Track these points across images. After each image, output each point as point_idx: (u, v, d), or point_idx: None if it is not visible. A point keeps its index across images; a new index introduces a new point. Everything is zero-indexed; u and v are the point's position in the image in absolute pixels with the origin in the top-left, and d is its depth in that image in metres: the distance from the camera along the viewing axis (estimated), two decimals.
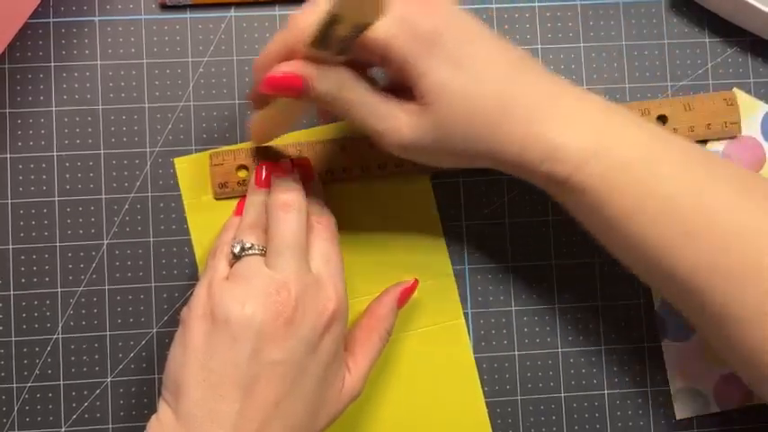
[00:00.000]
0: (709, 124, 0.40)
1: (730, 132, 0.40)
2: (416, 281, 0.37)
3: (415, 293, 0.38)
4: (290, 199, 0.33)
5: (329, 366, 0.32)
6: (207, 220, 0.38)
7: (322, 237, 0.34)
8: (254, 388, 0.30)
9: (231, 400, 0.30)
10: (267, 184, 0.35)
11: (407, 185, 0.39)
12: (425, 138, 0.31)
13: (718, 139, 0.40)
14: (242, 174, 0.38)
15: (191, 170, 0.39)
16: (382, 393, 0.38)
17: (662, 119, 0.39)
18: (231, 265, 0.33)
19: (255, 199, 0.35)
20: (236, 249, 0.33)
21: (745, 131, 0.40)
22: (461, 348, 0.39)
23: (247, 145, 0.38)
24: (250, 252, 0.33)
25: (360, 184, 0.39)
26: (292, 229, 0.33)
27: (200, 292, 0.32)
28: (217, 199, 0.38)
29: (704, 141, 0.40)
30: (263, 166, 0.36)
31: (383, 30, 0.30)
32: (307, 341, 0.31)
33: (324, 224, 0.34)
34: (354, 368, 0.34)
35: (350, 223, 0.38)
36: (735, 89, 0.41)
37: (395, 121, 0.32)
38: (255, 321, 0.30)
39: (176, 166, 0.39)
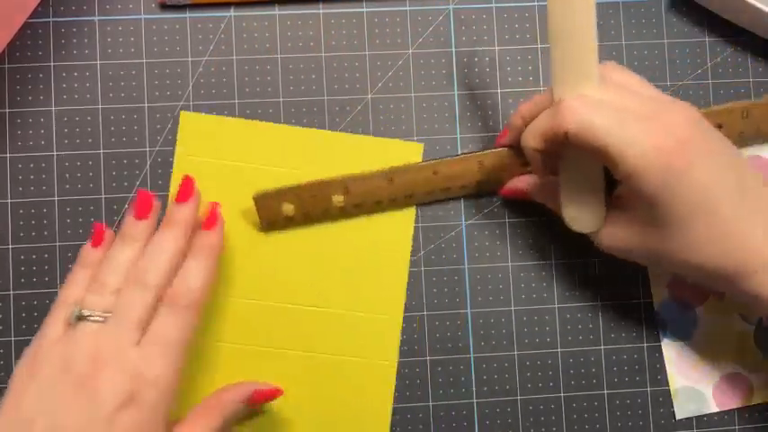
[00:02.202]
0: (759, 127, 0.40)
1: None
2: (278, 390, 0.36)
3: (360, 324, 0.38)
4: (149, 276, 0.33)
5: None
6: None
7: (168, 310, 0.33)
8: None
9: None
10: (146, 215, 0.35)
11: (391, 217, 0.39)
12: (634, 245, 0.34)
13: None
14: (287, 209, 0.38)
15: (194, 127, 0.39)
16: (294, 403, 0.38)
17: (717, 127, 0.38)
18: (68, 324, 0.32)
19: (122, 253, 0.34)
20: (75, 314, 0.32)
21: (763, 152, 0.41)
22: (383, 393, 0.38)
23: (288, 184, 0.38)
24: (88, 320, 0.32)
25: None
26: (135, 306, 0.32)
27: (30, 351, 0.32)
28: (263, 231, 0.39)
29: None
30: (149, 196, 0.35)
31: (635, 160, 0.31)
32: (100, 410, 0.30)
33: (178, 298, 0.33)
34: None
35: (328, 237, 0.39)
36: None
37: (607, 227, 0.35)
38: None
39: (181, 118, 0.39)
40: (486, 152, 0.39)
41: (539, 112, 0.34)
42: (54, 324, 0.33)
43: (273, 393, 0.36)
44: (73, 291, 0.34)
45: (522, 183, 0.38)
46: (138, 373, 0.31)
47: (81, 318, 0.32)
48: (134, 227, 0.34)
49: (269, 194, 0.38)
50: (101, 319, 0.32)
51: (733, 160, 0.33)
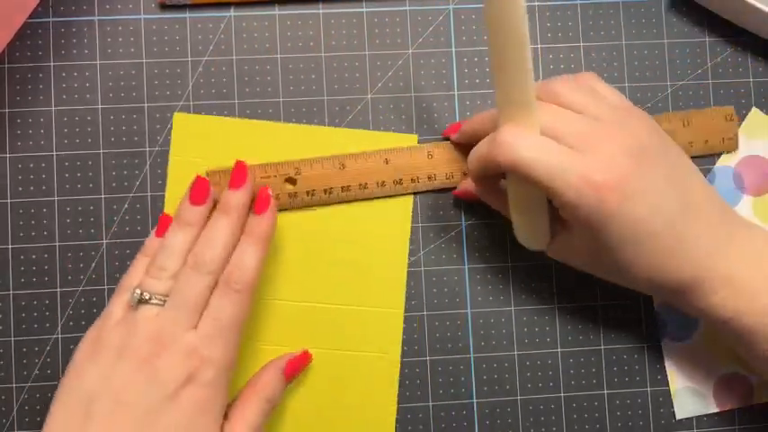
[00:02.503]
0: (707, 140, 0.40)
1: (728, 147, 0.40)
2: (307, 353, 0.38)
3: (362, 318, 0.38)
4: (205, 261, 0.33)
5: (189, 427, 0.31)
6: (186, 182, 0.38)
7: (223, 293, 0.33)
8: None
9: None
10: (202, 200, 0.35)
11: (387, 210, 0.39)
12: (580, 262, 0.35)
13: (719, 154, 0.40)
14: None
15: (188, 129, 0.39)
16: (296, 400, 0.38)
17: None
18: (129, 307, 0.33)
19: (177, 237, 0.34)
20: (135, 297, 0.33)
21: (760, 152, 0.41)
22: (388, 384, 0.39)
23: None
24: (148, 303, 0.33)
25: (341, 201, 0.39)
26: (192, 290, 0.33)
27: (92, 334, 0.33)
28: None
29: (703, 156, 0.40)
30: (205, 182, 0.36)
31: (567, 193, 0.31)
32: (162, 389, 0.31)
33: (232, 281, 0.33)
34: None
35: (324, 233, 0.39)
36: (754, 108, 0.41)
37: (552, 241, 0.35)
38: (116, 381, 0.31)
39: (174, 120, 0.39)
40: (435, 143, 0.39)
41: (486, 131, 0.34)
42: (116, 307, 0.34)
43: (304, 358, 0.38)
44: (134, 276, 0.35)
45: (471, 185, 0.38)
46: (196, 354, 0.32)
47: (141, 301, 0.33)
48: (189, 212, 0.35)
49: (220, 173, 0.38)
50: (160, 302, 0.33)
51: (680, 175, 0.33)
